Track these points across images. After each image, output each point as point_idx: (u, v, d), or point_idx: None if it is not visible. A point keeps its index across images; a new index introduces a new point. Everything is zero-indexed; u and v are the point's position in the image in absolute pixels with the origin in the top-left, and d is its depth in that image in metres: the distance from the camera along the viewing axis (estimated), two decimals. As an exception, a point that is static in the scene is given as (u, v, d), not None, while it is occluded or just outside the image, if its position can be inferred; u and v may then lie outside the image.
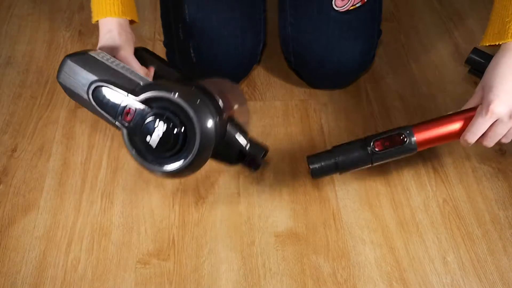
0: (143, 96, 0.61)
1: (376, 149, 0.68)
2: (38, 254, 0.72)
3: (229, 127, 0.67)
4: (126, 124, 0.62)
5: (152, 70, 0.73)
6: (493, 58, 0.63)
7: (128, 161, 0.83)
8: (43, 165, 0.83)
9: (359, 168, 0.71)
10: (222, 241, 0.74)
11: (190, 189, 0.80)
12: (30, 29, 1.07)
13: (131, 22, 0.73)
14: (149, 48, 1.03)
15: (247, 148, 0.69)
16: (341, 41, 0.87)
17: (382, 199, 0.79)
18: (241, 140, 0.69)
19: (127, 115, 0.62)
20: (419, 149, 0.69)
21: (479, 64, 0.93)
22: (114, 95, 0.63)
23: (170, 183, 0.80)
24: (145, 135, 0.61)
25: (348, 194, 0.79)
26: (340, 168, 0.70)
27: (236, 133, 0.68)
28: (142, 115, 0.61)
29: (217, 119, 0.63)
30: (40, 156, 0.84)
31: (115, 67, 0.66)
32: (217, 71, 0.87)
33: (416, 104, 0.92)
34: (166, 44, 0.94)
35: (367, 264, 0.71)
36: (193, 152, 0.61)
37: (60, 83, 0.68)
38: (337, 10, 0.84)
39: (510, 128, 0.63)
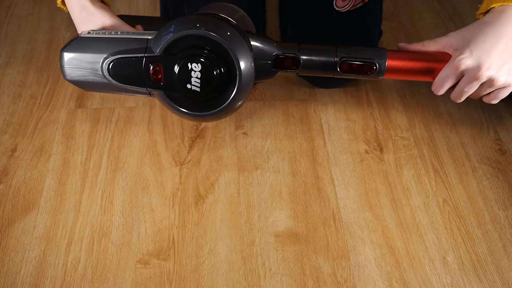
0: (161, 46, 0.56)
1: (342, 68, 0.65)
2: (38, 254, 0.72)
3: (252, 41, 0.63)
4: (159, 85, 0.57)
5: (139, 28, 0.69)
6: (483, 18, 0.61)
7: (128, 161, 0.83)
8: (43, 165, 0.83)
9: (317, 74, 0.68)
10: (222, 241, 0.74)
11: (190, 189, 0.80)
12: (30, 29, 1.07)
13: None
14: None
15: (278, 49, 0.65)
16: (342, 41, 0.87)
17: (382, 199, 0.79)
18: (270, 45, 0.65)
19: (156, 75, 0.57)
20: (386, 77, 0.67)
21: None
22: (132, 62, 0.57)
23: (170, 183, 0.80)
24: (184, 84, 0.56)
25: (348, 194, 0.79)
26: (302, 67, 0.67)
27: (262, 42, 0.64)
28: (171, 66, 0.56)
29: (246, 39, 0.59)
30: (40, 156, 0.84)
31: (115, 36, 0.60)
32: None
33: (416, 104, 0.92)
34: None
35: (367, 264, 0.71)
36: (237, 78, 0.57)
37: (70, 81, 0.62)
38: (338, 11, 0.84)
39: (477, 89, 0.61)
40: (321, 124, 0.89)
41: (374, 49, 0.69)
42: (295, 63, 0.66)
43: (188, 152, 0.84)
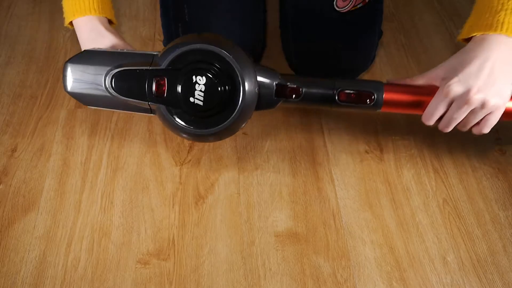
0: (167, 60, 0.55)
1: (340, 99, 0.65)
2: (38, 254, 0.72)
3: (257, 69, 0.63)
4: (162, 99, 0.55)
5: None
6: (465, 47, 0.61)
7: (128, 161, 0.83)
8: (43, 165, 0.83)
9: (316, 105, 0.68)
10: (222, 241, 0.74)
11: (190, 189, 0.80)
12: (30, 29, 1.07)
13: (109, 22, 0.70)
14: (149, 47, 1.03)
15: (280, 79, 0.64)
16: (342, 41, 0.87)
17: (382, 199, 0.79)
18: (274, 74, 0.64)
19: (159, 88, 0.55)
20: (383, 110, 0.67)
21: None
22: (136, 74, 0.56)
23: (170, 183, 0.80)
24: (187, 97, 0.55)
25: (348, 194, 0.79)
26: (302, 98, 0.67)
27: (266, 70, 0.64)
28: (175, 80, 0.55)
29: (252, 63, 0.59)
30: (40, 156, 0.84)
31: (121, 51, 0.60)
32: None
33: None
34: (165, 44, 0.94)
35: (367, 264, 0.71)
36: (241, 97, 0.56)
37: (71, 93, 0.61)
38: (338, 11, 0.84)
39: (467, 116, 0.61)
40: (321, 124, 0.89)
41: (372, 81, 0.69)
42: (296, 92, 0.65)
43: (188, 152, 0.84)
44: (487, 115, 0.61)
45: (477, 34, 0.59)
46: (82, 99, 0.62)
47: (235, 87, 0.58)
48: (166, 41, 0.94)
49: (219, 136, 0.60)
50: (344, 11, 0.84)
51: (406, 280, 0.70)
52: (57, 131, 0.88)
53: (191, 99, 0.55)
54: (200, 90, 0.56)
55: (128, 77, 0.57)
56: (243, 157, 0.84)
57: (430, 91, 0.66)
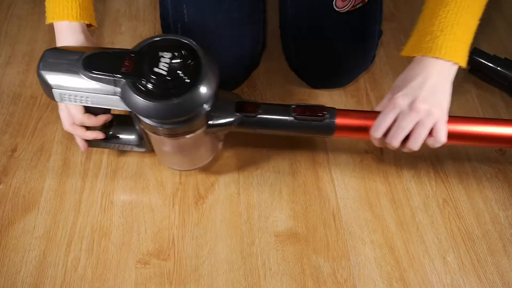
0: (139, 46, 0.61)
1: (296, 114, 0.67)
2: (38, 254, 0.72)
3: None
4: (129, 72, 0.60)
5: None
6: (408, 66, 0.66)
7: (128, 161, 0.83)
8: (43, 165, 0.83)
9: (276, 131, 0.70)
10: (222, 241, 0.74)
11: (190, 189, 0.80)
12: (30, 29, 1.07)
13: (89, 26, 0.72)
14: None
15: (240, 98, 0.69)
16: (342, 41, 0.87)
17: (382, 199, 0.79)
18: (233, 94, 0.69)
19: (128, 63, 0.60)
20: (336, 134, 0.68)
21: (479, 64, 0.93)
22: (111, 56, 0.62)
23: (170, 183, 0.80)
24: (151, 68, 0.59)
25: (348, 194, 0.79)
26: (260, 124, 0.69)
27: (224, 90, 0.68)
28: (143, 56, 0.61)
29: (218, 70, 0.64)
30: (40, 156, 0.84)
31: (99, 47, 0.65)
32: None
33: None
34: (166, 44, 0.95)
35: (367, 264, 0.71)
36: (202, 70, 0.61)
37: (41, 74, 0.64)
38: (337, 11, 0.84)
39: (416, 128, 0.63)
40: (321, 124, 0.89)
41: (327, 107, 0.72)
42: (255, 108, 0.68)
43: (188, 152, 0.84)
44: (435, 124, 0.63)
45: (416, 55, 0.64)
46: (47, 83, 0.65)
47: (198, 64, 0.62)
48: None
49: (179, 111, 0.61)
50: (344, 11, 0.84)
51: (406, 280, 0.70)
52: (57, 131, 0.88)
53: (155, 69, 0.60)
54: (165, 62, 0.60)
55: (100, 57, 0.62)
56: (243, 157, 0.84)
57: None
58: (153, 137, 0.69)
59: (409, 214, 0.77)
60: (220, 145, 0.78)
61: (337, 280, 0.70)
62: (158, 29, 1.07)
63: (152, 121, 0.63)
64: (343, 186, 0.80)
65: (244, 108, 0.68)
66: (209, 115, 0.66)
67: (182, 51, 0.62)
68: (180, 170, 0.81)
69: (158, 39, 0.64)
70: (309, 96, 0.94)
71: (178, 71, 0.60)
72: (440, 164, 0.83)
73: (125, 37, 1.05)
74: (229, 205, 0.78)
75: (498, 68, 0.92)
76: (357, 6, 0.84)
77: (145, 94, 0.59)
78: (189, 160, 0.76)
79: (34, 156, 0.84)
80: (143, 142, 0.76)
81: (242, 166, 0.83)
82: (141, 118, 0.64)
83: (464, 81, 0.97)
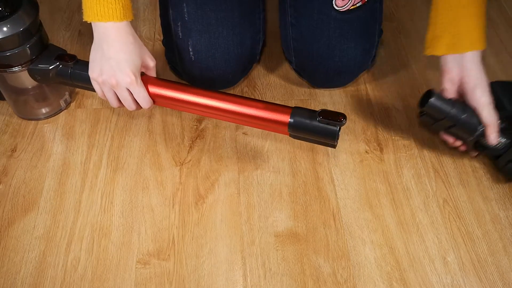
0: None
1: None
2: (38, 254, 0.72)
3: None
4: None
5: None
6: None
7: (128, 161, 0.83)
8: (43, 165, 0.83)
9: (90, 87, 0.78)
10: (222, 241, 0.74)
11: (190, 189, 0.80)
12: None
13: None
14: (149, 47, 1.03)
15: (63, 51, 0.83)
16: (342, 41, 0.87)
17: (382, 199, 0.79)
18: (63, 51, 0.83)
19: None
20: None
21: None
22: None
23: (170, 183, 0.80)
24: None
25: (348, 194, 0.79)
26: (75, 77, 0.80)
27: (59, 47, 0.83)
28: None
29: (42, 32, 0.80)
30: (40, 156, 0.84)
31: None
32: (215, 69, 0.87)
33: (416, 104, 0.92)
34: (165, 43, 0.95)
35: (367, 264, 0.71)
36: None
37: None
38: (337, 10, 0.84)
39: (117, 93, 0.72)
40: (321, 124, 0.89)
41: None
42: (71, 59, 0.79)
43: (188, 152, 0.84)
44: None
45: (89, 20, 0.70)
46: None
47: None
48: (165, 40, 0.94)
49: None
50: (344, 10, 0.84)
51: (406, 280, 0.70)
52: (57, 131, 0.88)
53: None
54: None
55: None
56: (243, 157, 0.84)
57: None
58: None
59: (409, 214, 0.77)
60: (62, 103, 0.89)
61: (337, 280, 0.70)
62: (158, 28, 1.07)
63: None
64: (343, 186, 0.80)
65: (63, 58, 0.79)
66: (31, 58, 0.79)
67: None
68: (22, 118, 0.89)
69: None
70: (309, 96, 0.94)
71: None
72: (440, 164, 0.83)
73: (125, 37, 1.05)
74: (229, 205, 0.78)
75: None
76: (357, 5, 0.84)
77: None
78: (23, 104, 0.88)
79: (34, 156, 0.84)
80: None
81: (242, 166, 0.83)
82: None
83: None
